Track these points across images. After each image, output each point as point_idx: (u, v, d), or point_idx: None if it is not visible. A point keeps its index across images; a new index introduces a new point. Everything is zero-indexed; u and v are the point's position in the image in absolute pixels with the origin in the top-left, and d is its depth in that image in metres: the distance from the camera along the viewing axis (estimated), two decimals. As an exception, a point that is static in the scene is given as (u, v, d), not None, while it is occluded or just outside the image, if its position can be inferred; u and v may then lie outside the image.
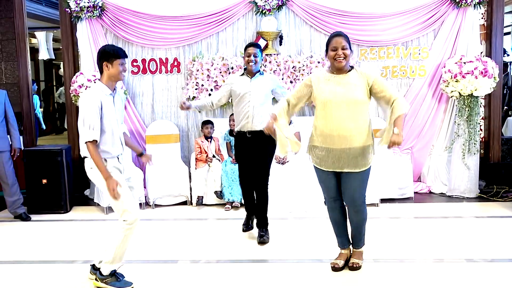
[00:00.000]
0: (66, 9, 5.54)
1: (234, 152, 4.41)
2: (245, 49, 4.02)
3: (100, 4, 5.53)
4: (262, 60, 4.15)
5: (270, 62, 5.53)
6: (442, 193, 5.56)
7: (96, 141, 3.00)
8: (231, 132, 5.33)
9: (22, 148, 5.16)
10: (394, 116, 3.05)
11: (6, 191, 4.95)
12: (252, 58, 3.93)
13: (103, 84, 3.09)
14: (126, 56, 3.17)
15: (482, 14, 5.55)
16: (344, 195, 3.28)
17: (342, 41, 3.12)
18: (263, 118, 3.78)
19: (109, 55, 3.06)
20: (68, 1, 5.50)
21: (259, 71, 4.04)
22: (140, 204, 5.16)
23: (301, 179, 4.97)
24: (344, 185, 3.24)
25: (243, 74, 4.08)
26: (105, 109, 3.05)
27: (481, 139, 5.62)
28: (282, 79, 5.51)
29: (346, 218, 3.40)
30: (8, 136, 4.95)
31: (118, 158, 3.18)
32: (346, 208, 3.35)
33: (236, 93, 4.00)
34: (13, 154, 4.94)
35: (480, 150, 5.46)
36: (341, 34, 3.18)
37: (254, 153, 3.97)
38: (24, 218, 4.99)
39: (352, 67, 3.22)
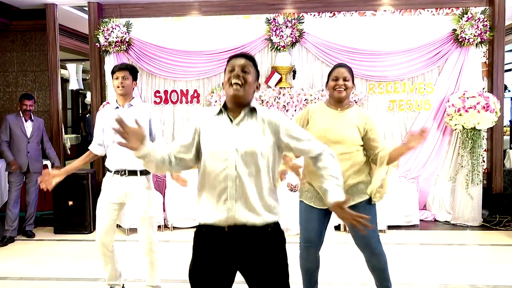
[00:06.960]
0: (96, 44, 5.93)
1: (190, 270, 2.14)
2: None
3: (127, 39, 5.92)
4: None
5: (283, 94, 5.84)
6: (446, 221, 5.67)
7: (91, 151, 3.36)
8: None
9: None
10: (386, 158, 2.80)
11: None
12: None
13: (115, 99, 3.38)
14: (121, 70, 3.26)
15: (484, 52, 5.80)
16: (355, 239, 2.91)
17: (344, 71, 2.82)
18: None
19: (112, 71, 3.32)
20: (98, 36, 5.89)
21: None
22: (159, 226, 5.38)
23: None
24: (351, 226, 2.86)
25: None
26: (105, 124, 3.26)
27: (483, 170, 5.79)
28: (295, 110, 5.84)
29: (319, 267, 3.01)
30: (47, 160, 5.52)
31: (114, 174, 3.24)
32: (364, 254, 2.95)
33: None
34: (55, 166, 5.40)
35: (483, 181, 5.62)
36: (344, 65, 2.89)
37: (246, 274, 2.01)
38: (30, 235, 5.41)
39: (352, 105, 2.92)
